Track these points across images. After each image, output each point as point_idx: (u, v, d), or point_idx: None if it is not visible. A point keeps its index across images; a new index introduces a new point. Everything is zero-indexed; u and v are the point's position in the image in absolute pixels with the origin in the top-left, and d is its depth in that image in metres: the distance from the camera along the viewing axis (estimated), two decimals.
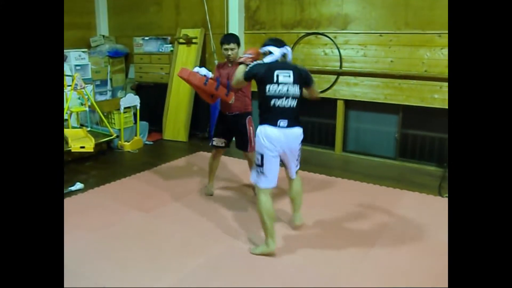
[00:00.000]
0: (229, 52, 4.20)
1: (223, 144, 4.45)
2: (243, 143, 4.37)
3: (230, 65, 4.27)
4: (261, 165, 3.32)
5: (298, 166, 3.66)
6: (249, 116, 4.37)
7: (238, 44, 4.28)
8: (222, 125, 4.44)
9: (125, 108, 6.43)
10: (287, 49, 3.51)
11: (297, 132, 3.39)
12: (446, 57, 5.22)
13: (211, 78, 4.05)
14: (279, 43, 3.51)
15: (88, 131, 6.15)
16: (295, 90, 3.35)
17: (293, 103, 3.35)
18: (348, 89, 6.01)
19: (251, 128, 4.31)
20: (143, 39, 7.64)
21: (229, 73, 4.17)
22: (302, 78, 3.44)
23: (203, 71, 4.05)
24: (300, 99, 3.41)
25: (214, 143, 4.46)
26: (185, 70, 3.98)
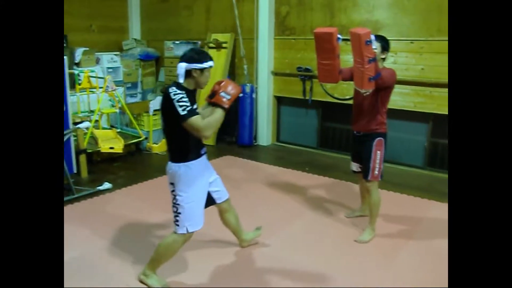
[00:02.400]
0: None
1: (358, 170, 3.90)
2: (364, 169, 3.73)
3: None
4: None
5: (175, 223, 2.94)
6: (379, 138, 3.62)
7: (382, 45, 3.51)
8: (354, 146, 3.90)
9: (154, 110, 6.51)
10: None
11: (168, 168, 2.92)
12: None
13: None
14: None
15: (117, 132, 6.25)
16: (161, 121, 2.91)
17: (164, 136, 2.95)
18: None
19: (378, 152, 3.61)
20: (173, 43, 7.74)
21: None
22: (163, 109, 2.80)
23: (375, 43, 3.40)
24: (172, 132, 2.83)
25: (351, 167, 4.02)
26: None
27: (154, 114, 6.53)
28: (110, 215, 4.16)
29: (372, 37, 3.29)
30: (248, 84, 6.75)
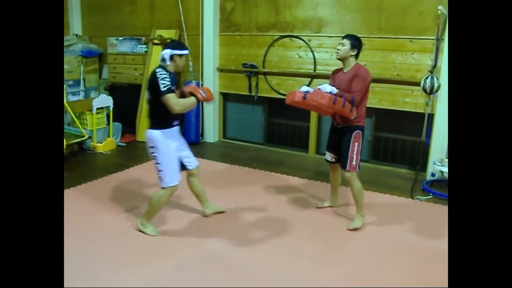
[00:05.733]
0: (338, 47, 3.78)
1: (333, 160, 4.08)
2: (342, 159, 3.90)
3: (344, 70, 3.81)
4: None
5: (159, 179, 3.58)
6: (357, 131, 3.82)
7: (351, 43, 3.73)
8: (332, 137, 4.07)
9: (97, 108, 6.35)
10: (161, 52, 3.52)
11: (147, 134, 3.55)
12: (417, 62, 5.32)
13: (336, 94, 3.59)
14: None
15: None
16: (146, 94, 3.57)
17: (147, 106, 3.60)
18: None
19: (356, 143, 3.81)
20: (117, 39, 7.56)
21: (343, 81, 3.77)
22: (149, 85, 3.47)
23: (327, 87, 3.62)
24: (154, 104, 3.47)
25: (325, 157, 4.19)
26: (298, 93, 3.59)
27: (97, 113, 6.36)
28: None
29: (320, 86, 3.63)
30: (193, 81, 6.69)
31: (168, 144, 3.52)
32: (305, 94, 3.57)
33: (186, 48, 3.55)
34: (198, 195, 4.06)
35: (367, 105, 3.96)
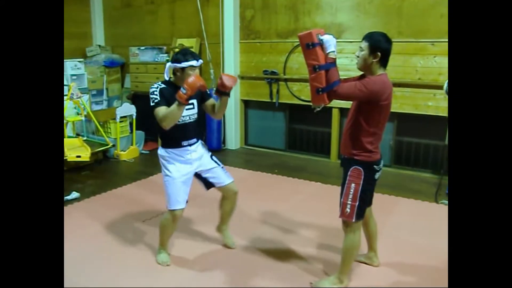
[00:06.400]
0: (356, 53, 2.89)
1: None
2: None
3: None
4: None
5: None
6: (355, 167, 2.84)
7: (370, 45, 2.77)
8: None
9: (121, 117, 6.45)
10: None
11: (158, 151, 3.32)
12: (439, 65, 5.28)
13: (334, 64, 2.81)
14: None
15: (84, 140, 6.15)
16: None
17: None
18: None
19: (353, 185, 2.84)
20: (139, 48, 7.67)
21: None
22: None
23: (332, 45, 2.76)
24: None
25: None
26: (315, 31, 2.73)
27: (121, 121, 6.46)
28: (79, 225, 4.10)
29: (326, 37, 2.74)
30: (215, 89, 6.74)
31: (173, 166, 3.19)
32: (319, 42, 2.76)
33: (186, 60, 3.02)
34: (222, 216, 3.65)
35: (391, 110, 2.99)
